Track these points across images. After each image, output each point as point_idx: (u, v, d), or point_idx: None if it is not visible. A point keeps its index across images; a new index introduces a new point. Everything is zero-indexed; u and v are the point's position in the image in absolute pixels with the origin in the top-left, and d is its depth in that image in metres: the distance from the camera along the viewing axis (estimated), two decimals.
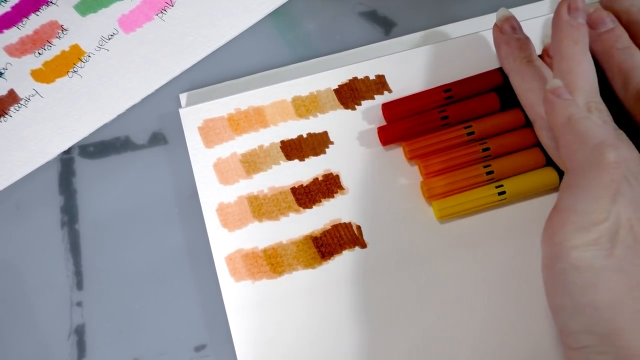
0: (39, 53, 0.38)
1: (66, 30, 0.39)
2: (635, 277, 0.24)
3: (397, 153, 0.34)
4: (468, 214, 0.32)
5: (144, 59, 0.38)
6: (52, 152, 0.36)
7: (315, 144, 0.34)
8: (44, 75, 0.38)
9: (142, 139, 0.37)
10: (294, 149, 0.34)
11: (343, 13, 0.38)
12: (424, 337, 0.31)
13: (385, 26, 0.38)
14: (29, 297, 0.34)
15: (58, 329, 0.33)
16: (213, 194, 0.34)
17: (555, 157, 0.31)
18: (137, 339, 0.33)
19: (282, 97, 0.35)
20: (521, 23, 0.34)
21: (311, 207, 0.33)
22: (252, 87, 0.36)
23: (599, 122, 0.27)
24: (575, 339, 0.25)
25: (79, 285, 0.34)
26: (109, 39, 0.38)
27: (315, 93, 0.35)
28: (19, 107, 0.37)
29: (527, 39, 0.33)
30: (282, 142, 0.34)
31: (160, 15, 0.39)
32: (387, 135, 0.33)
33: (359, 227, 0.33)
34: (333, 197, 0.33)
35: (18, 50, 0.38)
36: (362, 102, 0.35)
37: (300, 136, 0.34)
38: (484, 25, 0.36)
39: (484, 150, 0.32)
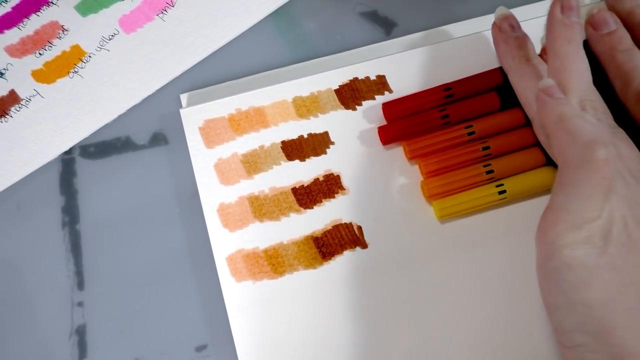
0: (40, 53, 0.38)
1: (67, 30, 0.39)
2: (628, 274, 0.24)
3: (398, 153, 0.34)
4: (468, 213, 0.32)
5: (144, 59, 0.38)
6: (53, 153, 0.36)
7: (316, 144, 0.34)
8: (45, 75, 0.38)
9: (142, 139, 0.37)
10: (295, 149, 0.34)
11: (343, 13, 0.38)
12: (424, 336, 0.31)
13: (385, 26, 0.38)
14: (30, 297, 0.34)
15: (59, 329, 0.33)
16: (214, 194, 0.34)
17: (552, 155, 0.31)
18: (138, 339, 0.33)
19: (282, 97, 0.35)
20: (521, 23, 0.34)
21: (312, 208, 0.33)
22: (253, 87, 0.36)
23: (592, 120, 0.27)
24: (569, 337, 0.25)
25: (80, 285, 0.34)
26: (110, 39, 0.38)
27: (316, 93, 0.35)
28: (19, 107, 0.37)
29: (525, 37, 0.33)
30: (283, 142, 0.34)
31: (160, 15, 0.39)
32: (388, 135, 0.33)
33: (359, 228, 0.33)
34: (334, 197, 0.33)
35: (19, 50, 0.38)
36: (363, 103, 0.35)
37: (301, 136, 0.34)
38: (484, 25, 0.36)
39: (484, 149, 0.32)
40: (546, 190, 0.32)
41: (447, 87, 0.33)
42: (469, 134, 0.33)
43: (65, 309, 0.34)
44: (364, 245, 0.32)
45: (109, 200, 0.35)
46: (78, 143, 0.37)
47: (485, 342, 0.31)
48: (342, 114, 0.35)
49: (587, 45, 0.34)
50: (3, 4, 0.39)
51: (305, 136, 0.34)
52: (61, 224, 0.35)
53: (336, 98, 0.35)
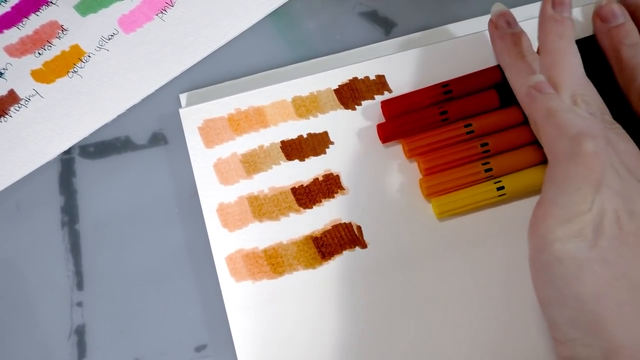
0: (39, 53, 0.38)
1: (66, 30, 0.39)
2: (620, 267, 0.24)
3: (398, 153, 0.34)
4: (467, 210, 0.32)
5: (144, 59, 0.38)
6: (52, 152, 0.36)
7: (315, 144, 0.34)
8: (44, 75, 0.38)
9: (142, 139, 0.37)
10: (294, 149, 0.34)
11: (343, 13, 0.38)
12: (424, 336, 0.31)
13: (385, 26, 0.38)
14: (29, 297, 0.34)
15: (58, 329, 0.33)
16: (213, 194, 0.34)
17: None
18: (137, 339, 0.33)
19: (282, 97, 0.35)
20: (520, 23, 0.34)
21: (311, 207, 0.33)
22: (252, 87, 0.36)
23: (583, 114, 0.27)
24: (561, 332, 0.25)
25: (80, 285, 0.34)
26: (109, 39, 0.38)
27: (316, 93, 0.35)
28: (19, 107, 0.37)
29: (521, 33, 0.33)
30: (283, 142, 0.34)
31: (160, 15, 0.39)
32: (386, 132, 0.33)
33: (359, 227, 0.33)
34: (333, 197, 0.33)
35: (18, 50, 0.38)
36: (363, 102, 0.35)
37: (301, 136, 0.34)
38: (484, 25, 0.36)
39: (482, 145, 0.32)
40: None
41: (445, 85, 0.33)
42: (468, 132, 0.33)
43: (64, 309, 0.34)
44: (364, 245, 0.32)
45: (109, 200, 0.35)
46: (77, 143, 0.37)
47: (486, 341, 0.31)
48: (342, 113, 0.35)
49: (593, 38, 0.34)
50: (2, 3, 0.39)
51: (305, 136, 0.34)
52: (60, 223, 0.35)
53: (336, 98, 0.35)
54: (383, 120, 0.34)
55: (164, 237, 0.34)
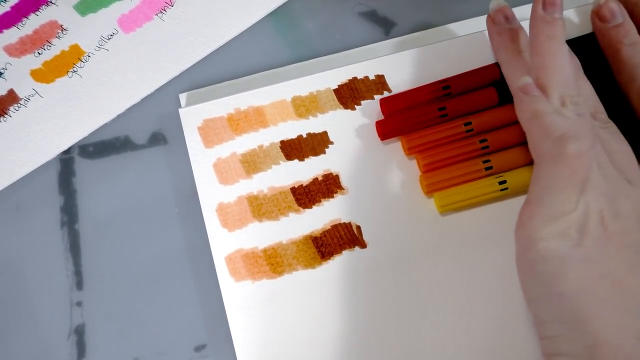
0: (39, 53, 0.38)
1: (66, 30, 0.39)
2: (603, 266, 0.24)
3: (398, 153, 0.34)
4: (469, 204, 0.32)
5: (143, 59, 0.38)
6: (51, 152, 0.36)
7: (315, 144, 0.34)
8: (44, 75, 0.38)
9: (142, 139, 0.37)
10: (294, 149, 0.34)
11: (343, 13, 0.38)
12: (424, 336, 0.31)
13: (385, 26, 0.38)
14: (29, 297, 0.34)
15: (58, 329, 0.33)
16: (213, 194, 0.34)
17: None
18: (137, 339, 0.33)
19: (281, 97, 0.35)
20: (521, 23, 0.33)
21: (311, 207, 0.33)
22: (252, 87, 0.36)
23: (571, 115, 0.27)
24: (545, 328, 0.25)
25: (79, 285, 0.34)
26: (109, 38, 0.38)
27: (315, 93, 0.35)
28: (18, 107, 0.37)
29: (519, 29, 0.33)
30: (282, 142, 0.34)
31: (160, 15, 0.39)
32: (385, 128, 0.33)
33: (358, 227, 0.33)
34: (333, 197, 0.33)
35: (18, 50, 0.38)
36: (362, 102, 0.35)
37: (300, 136, 0.34)
38: (483, 25, 0.36)
39: (482, 141, 0.32)
40: None
41: (443, 80, 0.34)
42: (468, 131, 0.33)
43: (64, 309, 0.34)
44: (363, 245, 0.32)
45: (108, 199, 0.35)
46: (77, 143, 0.37)
47: (487, 340, 0.31)
48: (341, 113, 0.35)
49: (592, 35, 0.34)
50: (2, 3, 0.39)
51: (304, 136, 0.34)
52: (60, 223, 0.35)
53: (335, 98, 0.35)
54: (382, 119, 0.34)
55: (163, 237, 0.34)
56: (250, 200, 0.34)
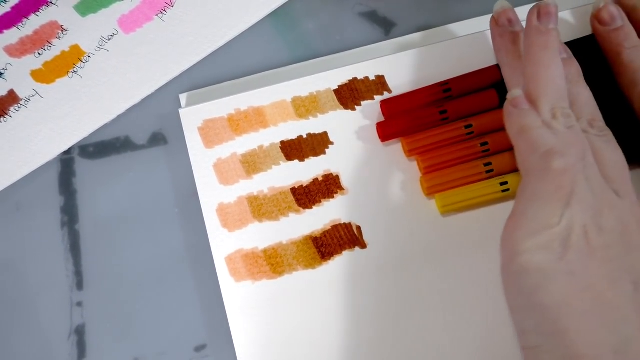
0: (39, 53, 0.38)
1: (66, 30, 0.39)
2: (585, 280, 0.24)
3: (398, 154, 0.34)
4: (470, 205, 0.32)
5: (144, 59, 0.38)
6: (52, 153, 0.36)
7: (315, 145, 0.34)
8: (44, 75, 0.38)
9: (142, 139, 0.37)
10: (294, 149, 0.34)
11: (343, 13, 0.39)
12: (425, 336, 0.31)
13: (385, 26, 0.38)
14: (29, 297, 0.34)
15: (58, 329, 0.33)
16: (213, 194, 0.34)
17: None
18: (137, 339, 0.33)
19: (282, 97, 0.35)
20: (522, 23, 0.34)
21: (311, 208, 0.33)
22: (252, 87, 0.36)
23: (560, 128, 0.27)
24: (526, 338, 0.25)
25: (79, 285, 0.34)
26: (109, 39, 0.38)
27: (315, 93, 0.35)
28: (19, 107, 0.37)
29: (521, 32, 0.33)
30: (282, 142, 0.34)
31: (160, 15, 0.39)
32: (386, 130, 0.33)
33: (359, 228, 0.33)
34: (333, 197, 0.33)
35: (18, 50, 0.38)
36: (362, 103, 0.35)
37: (300, 136, 0.35)
38: (484, 25, 0.36)
39: (482, 144, 0.32)
40: None
41: (444, 84, 0.34)
42: (468, 133, 0.33)
43: (64, 309, 0.34)
44: (363, 246, 0.32)
45: (108, 200, 0.35)
46: (77, 143, 0.37)
47: (486, 341, 0.31)
48: (341, 114, 0.35)
49: (593, 37, 0.34)
50: (2, 4, 0.39)
51: (305, 136, 0.34)
52: (60, 224, 0.35)
53: (335, 98, 0.35)
54: (382, 119, 0.34)
55: (163, 237, 0.34)
56: (251, 200, 0.34)
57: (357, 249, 0.32)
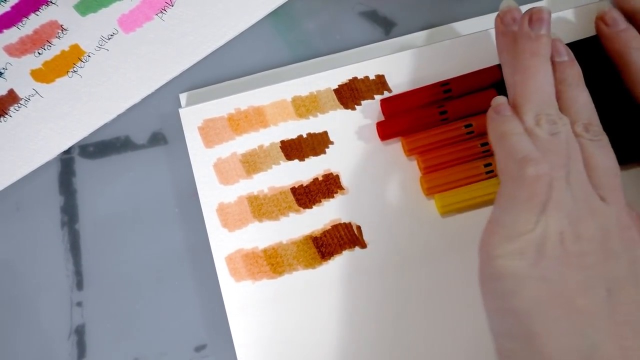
0: (39, 53, 0.38)
1: (66, 30, 0.39)
2: (558, 286, 0.24)
3: (398, 153, 0.34)
4: (470, 205, 0.32)
5: (143, 58, 0.38)
6: (52, 152, 0.36)
7: (315, 144, 0.34)
8: (44, 75, 0.38)
9: (142, 138, 0.37)
10: (294, 149, 0.34)
11: (343, 13, 0.38)
12: (425, 335, 0.31)
13: (385, 26, 0.38)
14: (29, 297, 0.34)
15: (58, 329, 0.33)
16: (213, 194, 0.34)
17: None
18: (137, 339, 0.33)
19: (282, 97, 0.35)
20: None
21: (311, 207, 0.33)
22: (252, 87, 0.36)
23: (543, 135, 0.27)
24: (500, 341, 0.26)
25: (79, 285, 0.34)
26: (109, 38, 0.38)
27: (315, 93, 0.35)
28: (18, 107, 0.37)
29: None
30: (282, 142, 0.34)
31: (160, 15, 0.39)
32: (386, 129, 0.33)
33: (359, 227, 0.33)
34: (333, 197, 0.33)
35: (18, 50, 0.38)
36: (362, 102, 0.35)
37: (300, 136, 0.34)
38: (484, 24, 0.36)
39: (482, 144, 0.32)
40: None
41: (445, 84, 0.33)
42: (468, 133, 0.33)
43: (64, 309, 0.34)
44: (363, 245, 0.32)
45: (108, 200, 0.35)
46: (77, 143, 0.37)
47: (486, 341, 0.31)
48: (342, 113, 0.35)
49: (597, 38, 0.34)
50: (2, 3, 0.39)
51: (305, 136, 0.34)
52: (60, 223, 0.35)
53: (335, 98, 0.35)
54: (383, 119, 0.34)
55: (163, 236, 0.34)
56: (251, 200, 0.34)
57: (357, 248, 0.32)
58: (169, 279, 0.34)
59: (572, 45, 0.33)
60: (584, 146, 0.28)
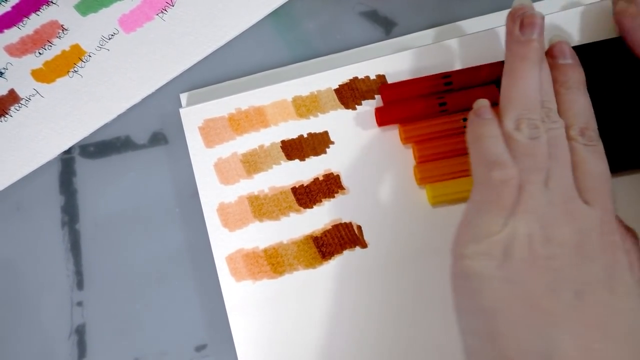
0: (40, 53, 0.38)
1: (67, 30, 0.39)
2: (523, 287, 0.25)
3: (399, 153, 0.34)
4: (461, 198, 0.32)
5: (144, 58, 0.38)
6: (52, 152, 0.36)
7: (315, 144, 0.34)
8: (45, 75, 0.38)
9: (142, 138, 0.37)
10: (295, 148, 0.34)
11: (343, 13, 0.38)
12: (427, 335, 0.31)
13: (385, 26, 0.38)
14: (29, 297, 0.34)
15: (59, 329, 0.33)
16: (214, 193, 0.34)
17: None
18: (137, 338, 0.33)
19: (282, 96, 0.35)
20: None
21: (312, 207, 0.33)
22: (253, 87, 0.36)
23: (522, 139, 0.27)
24: (465, 339, 0.26)
25: (80, 285, 0.34)
26: (110, 38, 0.38)
27: (316, 93, 0.35)
28: (19, 106, 0.37)
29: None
30: (283, 141, 0.34)
31: (160, 15, 0.39)
32: (384, 116, 0.33)
33: (359, 227, 0.33)
34: (333, 197, 0.33)
35: (18, 50, 0.38)
36: (363, 102, 0.35)
37: (301, 136, 0.34)
38: (484, 24, 0.36)
39: None
40: None
41: (446, 76, 0.33)
42: (465, 126, 0.32)
43: (64, 309, 0.34)
44: (364, 245, 0.32)
45: (109, 199, 0.35)
46: (78, 142, 0.37)
47: None
48: (342, 113, 0.35)
49: (620, 40, 0.33)
50: (3, 3, 0.39)
51: (305, 136, 0.34)
52: (61, 223, 0.35)
53: (336, 97, 0.35)
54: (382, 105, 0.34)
55: (164, 237, 0.34)
56: (251, 200, 0.34)
57: (357, 248, 0.32)
58: (170, 279, 0.34)
59: (577, 49, 0.32)
60: (576, 150, 0.28)
